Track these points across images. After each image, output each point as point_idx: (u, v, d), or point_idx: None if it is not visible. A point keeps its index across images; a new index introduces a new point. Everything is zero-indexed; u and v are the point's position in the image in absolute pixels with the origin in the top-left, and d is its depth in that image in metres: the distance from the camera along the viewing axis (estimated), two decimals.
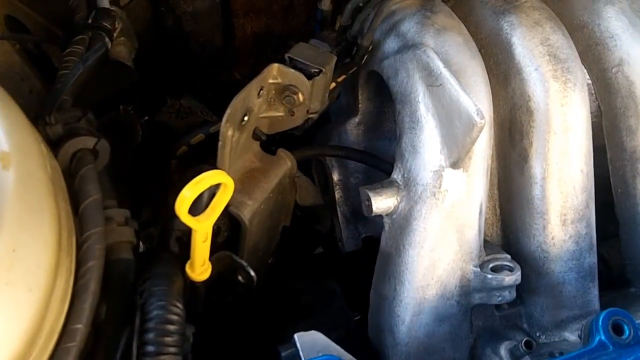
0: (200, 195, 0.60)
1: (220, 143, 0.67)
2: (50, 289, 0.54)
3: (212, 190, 0.61)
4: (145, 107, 0.94)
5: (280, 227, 0.86)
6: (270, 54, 1.10)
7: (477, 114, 0.64)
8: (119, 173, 0.73)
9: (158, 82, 1.04)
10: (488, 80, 0.74)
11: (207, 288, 0.72)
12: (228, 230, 0.73)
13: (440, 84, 0.69)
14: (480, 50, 0.77)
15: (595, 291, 0.79)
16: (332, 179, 0.94)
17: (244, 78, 1.08)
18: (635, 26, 0.81)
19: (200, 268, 0.64)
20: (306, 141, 0.94)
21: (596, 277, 0.79)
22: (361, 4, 0.80)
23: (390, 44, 0.77)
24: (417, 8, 0.77)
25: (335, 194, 0.94)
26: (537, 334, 0.78)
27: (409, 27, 0.76)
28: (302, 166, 0.87)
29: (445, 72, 0.69)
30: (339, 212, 0.95)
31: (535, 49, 0.76)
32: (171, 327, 0.56)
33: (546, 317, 0.78)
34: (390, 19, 0.78)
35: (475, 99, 0.69)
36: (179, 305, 0.58)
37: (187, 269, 0.65)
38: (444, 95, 0.68)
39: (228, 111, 0.65)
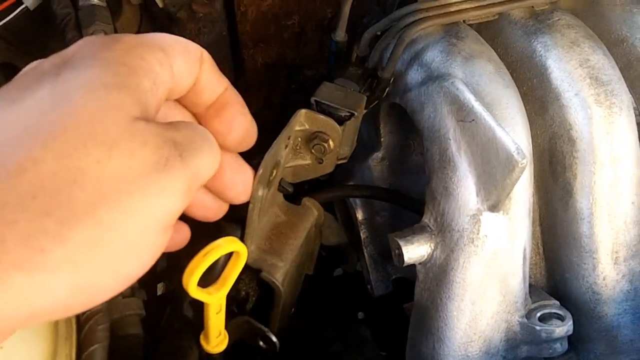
0: (215, 262, 0.54)
1: (250, 206, 0.57)
2: None
3: (228, 254, 0.55)
4: None
5: (302, 277, 0.80)
6: (283, 84, 1.05)
7: (518, 153, 0.57)
8: None
9: None
10: (525, 111, 0.67)
11: (230, 350, 0.66)
12: (257, 295, 0.66)
13: (473, 120, 0.62)
14: (511, 76, 0.70)
15: None
16: (356, 218, 0.87)
17: (258, 110, 1.02)
18: None
19: (215, 340, 0.58)
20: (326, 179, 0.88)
21: None
22: (379, 33, 0.73)
23: (414, 75, 0.70)
24: (441, 35, 0.70)
25: (361, 234, 0.88)
26: None
27: (434, 56, 0.69)
28: (323, 203, 0.80)
29: (477, 107, 0.62)
30: (365, 254, 0.88)
31: (574, 72, 0.68)
32: None
33: None
34: (412, 47, 0.71)
35: (513, 133, 0.62)
36: None
37: (202, 340, 0.58)
38: (477, 132, 0.61)
39: (260, 171, 0.55)
